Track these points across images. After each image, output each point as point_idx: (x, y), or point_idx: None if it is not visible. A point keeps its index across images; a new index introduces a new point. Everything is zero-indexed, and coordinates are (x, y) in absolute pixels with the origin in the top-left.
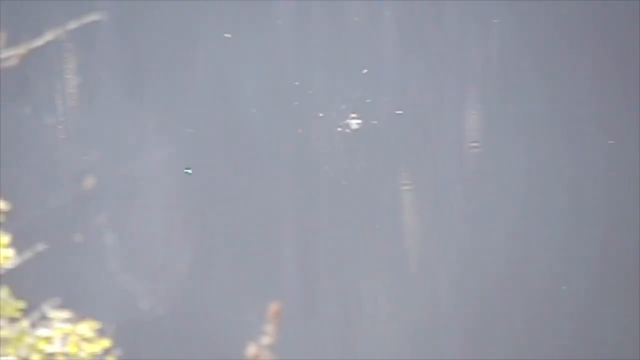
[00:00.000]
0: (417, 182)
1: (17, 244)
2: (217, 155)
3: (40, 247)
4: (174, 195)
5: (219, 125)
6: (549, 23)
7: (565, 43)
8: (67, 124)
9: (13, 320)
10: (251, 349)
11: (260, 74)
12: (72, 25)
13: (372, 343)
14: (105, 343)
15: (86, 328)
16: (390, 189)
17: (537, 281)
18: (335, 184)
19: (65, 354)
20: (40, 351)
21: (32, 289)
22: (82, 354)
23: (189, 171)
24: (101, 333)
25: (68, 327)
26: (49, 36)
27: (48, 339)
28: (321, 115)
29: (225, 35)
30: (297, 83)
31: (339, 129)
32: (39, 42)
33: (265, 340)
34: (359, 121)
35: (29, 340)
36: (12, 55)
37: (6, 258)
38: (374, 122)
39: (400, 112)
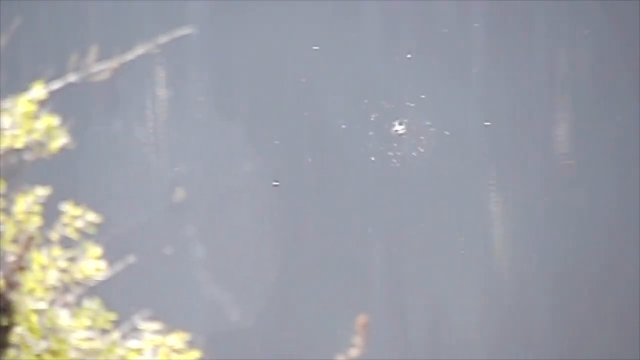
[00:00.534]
0: (505, 192)
1: (109, 255)
2: (305, 168)
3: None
4: (262, 207)
5: (306, 138)
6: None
7: None
8: (157, 137)
9: (104, 331)
10: None
11: (347, 87)
12: (163, 39)
13: (460, 351)
14: (195, 354)
15: (176, 339)
16: (478, 199)
17: (626, 285)
18: (423, 194)
19: None
20: None
21: (123, 300)
22: None
23: (277, 183)
24: (191, 344)
25: (158, 338)
26: (140, 50)
27: (139, 351)
28: (406, 126)
29: (314, 47)
30: (384, 95)
31: (422, 139)
32: (130, 56)
33: (354, 352)
34: (402, 128)
35: (119, 351)
36: (103, 69)
37: (98, 270)
38: (462, 133)
39: (489, 123)
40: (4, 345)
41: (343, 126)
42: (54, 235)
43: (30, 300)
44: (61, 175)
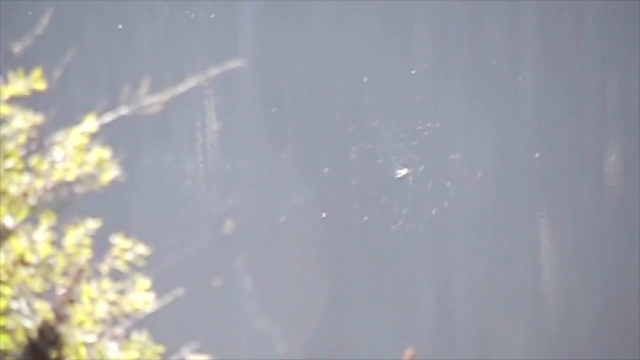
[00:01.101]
0: (555, 223)
1: (158, 288)
2: (354, 199)
3: (180, 291)
4: (311, 239)
5: (355, 170)
6: None
7: None
8: (207, 169)
9: None
10: None
11: (397, 118)
12: (214, 71)
13: None
14: None
15: None
16: (529, 230)
17: None
18: (474, 225)
19: None
20: None
21: (172, 333)
22: None
23: (324, 215)
24: None
25: None
26: (190, 82)
27: None
28: (457, 157)
29: (364, 79)
30: (433, 127)
31: (474, 170)
32: (181, 88)
33: None
34: (406, 170)
35: None
36: (155, 102)
37: (146, 302)
38: (512, 165)
39: (538, 155)
40: None
41: (392, 157)
42: (104, 268)
43: (80, 333)
44: (112, 207)
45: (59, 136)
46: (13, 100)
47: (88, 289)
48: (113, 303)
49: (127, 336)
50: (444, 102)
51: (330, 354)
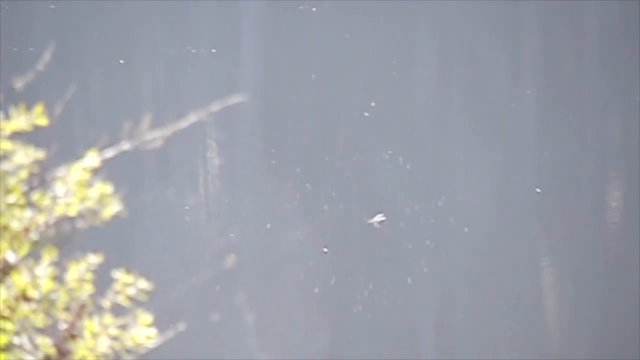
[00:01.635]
0: (556, 259)
1: (159, 323)
2: (356, 234)
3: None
4: (312, 274)
5: (357, 204)
6: None
7: None
8: (208, 204)
9: None
10: None
11: (399, 154)
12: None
13: None
14: None
15: None
16: (529, 266)
17: None
18: (475, 262)
19: None
20: None
21: None
22: None
23: (326, 250)
24: None
25: None
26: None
27: None
28: (457, 191)
29: (364, 114)
30: (434, 162)
31: (474, 206)
32: (182, 124)
33: None
34: (381, 217)
35: None
36: (156, 137)
37: (148, 337)
38: (512, 200)
39: (539, 190)
40: None
41: (394, 192)
42: (106, 303)
43: None
44: (113, 242)
45: (61, 171)
46: (15, 135)
47: (90, 324)
48: (115, 338)
49: None
50: (444, 135)
51: None
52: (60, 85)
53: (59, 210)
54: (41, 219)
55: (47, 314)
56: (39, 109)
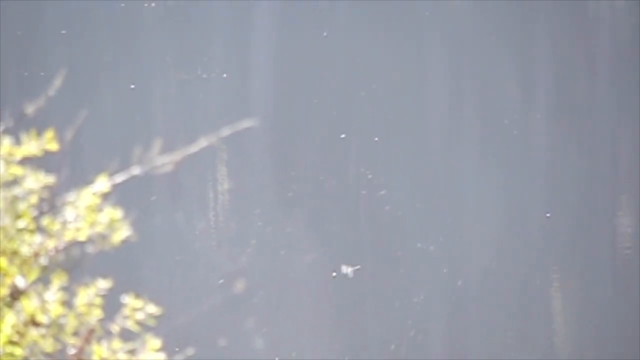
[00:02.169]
0: (567, 283)
1: (168, 348)
2: (365, 259)
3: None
4: (322, 298)
5: (367, 229)
6: None
7: None
8: (218, 228)
9: None
10: None
11: (408, 179)
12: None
13: None
14: None
15: None
16: (540, 291)
17: None
18: (485, 285)
19: None
20: None
21: None
22: None
23: (335, 274)
24: None
25: None
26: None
27: None
28: (468, 217)
29: (375, 139)
30: (444, 188)
31: (483, 230)
32: (193, 148)
33: None
34: (354, 268)
35: None
36: (166, 162)
37: None
38: (523, 225)
39: (549, 215)
40: None
41: (402, 216)
42: (115, 328)
43: None
44: (122, 267)
45: (71, 196)
46: (25, 160)
47: (99, 349)
48: None
49: None
50: (454, 159)
51: None
52: (71, 111)
53: (68, 235)
54: (51, 244)
55: (56, 338)
56: (49, 134)
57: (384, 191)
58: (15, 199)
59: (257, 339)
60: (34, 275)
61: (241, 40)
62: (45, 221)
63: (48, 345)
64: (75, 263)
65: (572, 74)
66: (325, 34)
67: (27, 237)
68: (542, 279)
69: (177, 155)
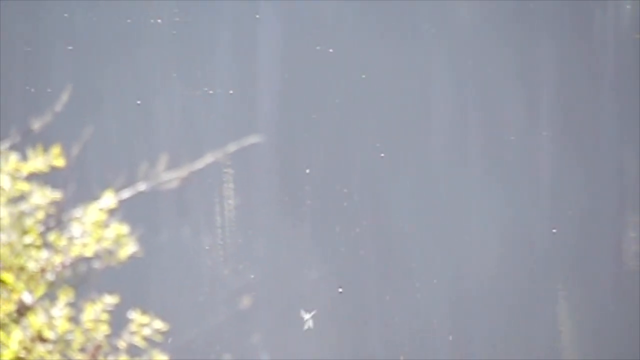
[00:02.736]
0: (573, 298)
1: None
2: (371, 275)
3: None
4: (327, 314)
5: (373, 245)
6: None
7: None
8: (224, 244)
9: None
10: None
11: (413, 193)
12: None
13: None
14: None
15: None
16: (546, 306)
17: None
18: (490, 302)
19: None
20: None
21: None
22: None
23: (341, 290)
24: None
25: None
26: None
27: None
28: (473, 233)
29: (380, 155)
30: (449, 203)
31: (488, 244)
32: (199, 164)
33: None
34: (308, 315)
35: None
36: (173, 178)
37: None
38: (528, 241)
39: (555, 230)
40: None
41: (409, 233)
42: (122, 344)
43: None
44: (129, 283)
45: (77, 212)
46: (32, 176)
47: None
48: None
49: None
50: (460, 176)
51: None
52: (77, 126)
53: (75, 251)
54: (57, 259)
55: (63, 354)
56: (56, 150)
57: (389, 207)
58: (21, 215)
59: (262, 355)
60: (40, 291)
61: (247, 57)
62: (51, 237)
63: None
64: (82, 279)
65: (576, 90)
66: (330, 50)
67: (33, 252)
68: (547, 295)
69: (183, 171)
